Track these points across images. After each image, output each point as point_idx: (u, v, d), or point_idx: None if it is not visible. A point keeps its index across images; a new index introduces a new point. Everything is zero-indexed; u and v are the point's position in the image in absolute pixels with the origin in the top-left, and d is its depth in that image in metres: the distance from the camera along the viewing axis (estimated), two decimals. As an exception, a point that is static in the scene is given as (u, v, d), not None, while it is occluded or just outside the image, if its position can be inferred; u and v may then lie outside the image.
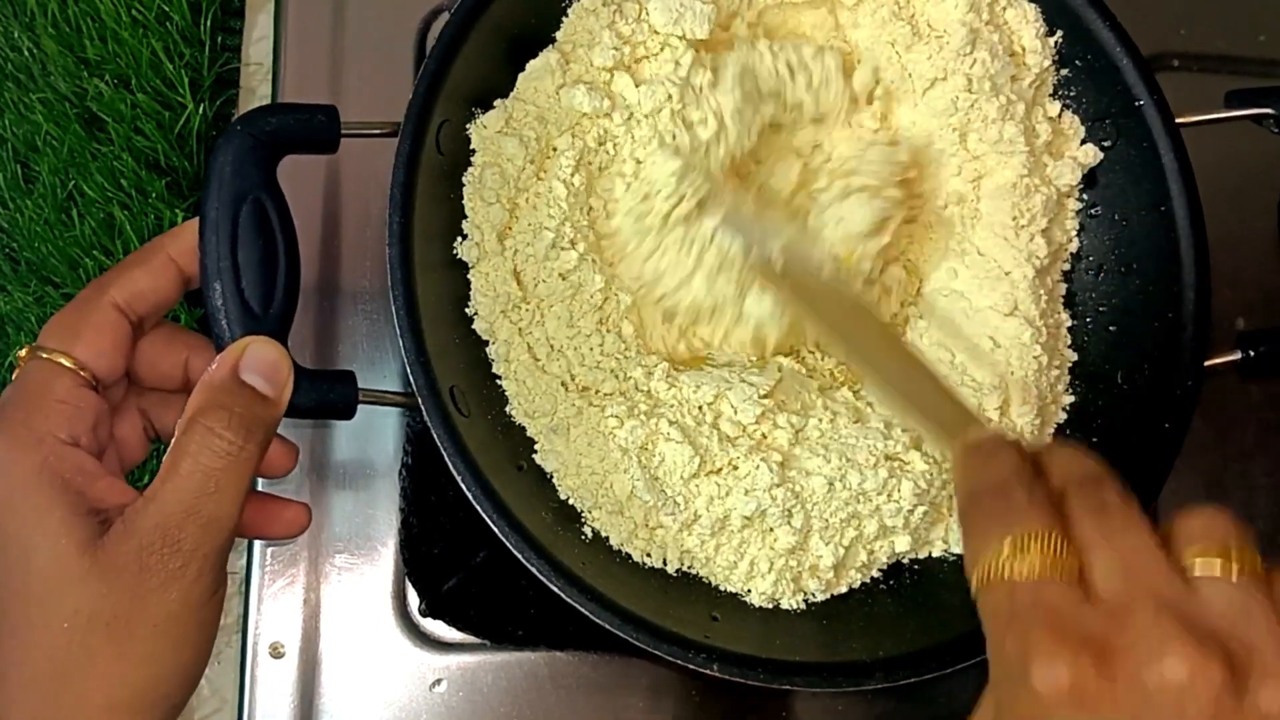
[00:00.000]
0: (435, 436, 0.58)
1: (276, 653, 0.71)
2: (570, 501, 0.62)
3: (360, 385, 0.59)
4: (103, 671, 0.50)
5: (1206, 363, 0.65)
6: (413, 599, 0.72)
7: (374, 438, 0.74)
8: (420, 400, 0.58)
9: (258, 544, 0.72)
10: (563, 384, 0.63)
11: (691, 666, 0.58)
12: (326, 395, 0.58)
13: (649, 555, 0.62)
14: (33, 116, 0.77)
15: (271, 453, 0.57)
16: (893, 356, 0.60)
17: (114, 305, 0.57)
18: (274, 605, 0.72)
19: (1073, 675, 0.38)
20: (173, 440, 0.53)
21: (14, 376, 0.56)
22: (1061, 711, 0.38)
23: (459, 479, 0.58)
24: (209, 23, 0.79)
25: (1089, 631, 0.40)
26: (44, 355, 0.55)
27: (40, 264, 0.77)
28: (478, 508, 0.58)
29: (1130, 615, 0.40)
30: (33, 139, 0.78)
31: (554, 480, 0.62)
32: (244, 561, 0.72)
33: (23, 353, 0.56)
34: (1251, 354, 0.66)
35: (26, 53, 0.79)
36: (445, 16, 0.75)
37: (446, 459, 0.58)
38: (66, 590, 0.50)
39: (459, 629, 0.72)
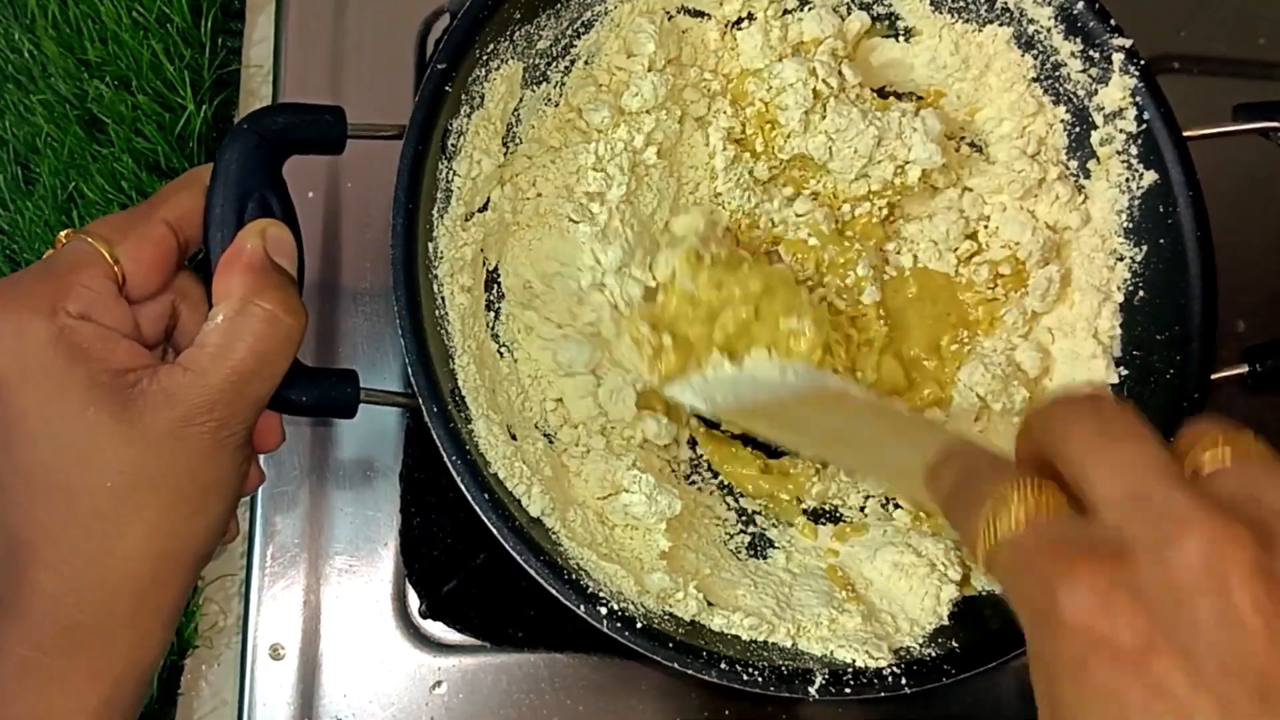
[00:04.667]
0: (435, 437, 0.58)
1: (276, 654, 0.71)
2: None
3: (361, 384, 0.59)
4: (154, 525, 0.52)
5: (1212, 376, 0.64)
6: (413, 600, 0.72)
7: (375, 440, 0.74)
8: (421, 401, 0.58)
9: (258, 546, 0.72)
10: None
11: (676, 666, 0.58)
12: (328, 393, 0.58)
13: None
14: (33, 118, 0.77)
15: (263, 425, 0.58)
16: (850, 420, 0.60)
17: (165, 221, 0.56)
18: (274, 607, 0.72)
19: (1094, 589, 0.37)
20: (221, 319, 0.53)
21: (46, 255, 0.56)
22: (1100, 629, 0.36)
23: (458, 480, 0.58)
24: (209, 24, 0.79)
25: (1098, 541, 0.38)
26: (88, 240, 0.55)
27: (40, 265, 0.77)
28: (477, 509, 0.58)
29: (1138, 511, 0.38)
30: (33, 141, 0.78)
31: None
32: (244, 563, 0.72)
33: (63, 235, 0.55)
34: (1258, 368, 0.66)
35: (27, 54, 0.78)
36: (446, 18, 0.75)
37: (446, 460, 0.58)
38: (105, 454, 0.51)
39: (459, 631, 0.72)
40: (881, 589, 0.65)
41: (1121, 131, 0.66)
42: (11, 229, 0.77)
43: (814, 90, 0.66)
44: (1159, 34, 0.67)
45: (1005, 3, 0.68)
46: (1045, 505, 0.40)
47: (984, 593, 0.64)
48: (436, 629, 0.72)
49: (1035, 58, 0.68)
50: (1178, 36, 0.83)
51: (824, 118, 0.66)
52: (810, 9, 0.69)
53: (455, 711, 0.71)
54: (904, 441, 0.54)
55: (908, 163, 0.67)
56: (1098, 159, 0.68)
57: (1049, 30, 0.67)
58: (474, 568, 0.72)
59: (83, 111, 0.78)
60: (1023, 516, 0.40)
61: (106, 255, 0.54)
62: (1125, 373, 0.67)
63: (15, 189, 0.78)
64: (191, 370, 0.52)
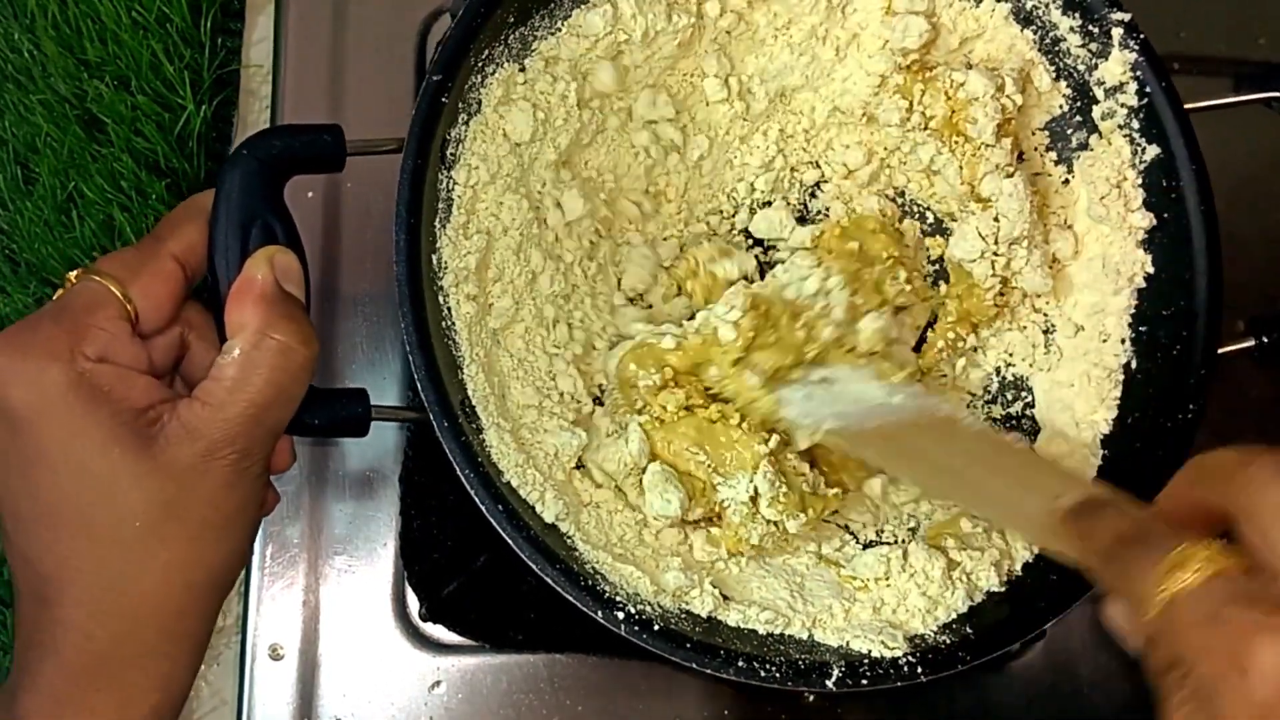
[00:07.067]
0: (447, 451, 0.58)
1: (276, 655, 0.71)
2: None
3: (370, 401, 0.59)
4: (178, 556, 0.53)
5: (1220, 350, 0.64)
6: (412, 600, 0.72)
7: (375, 440, 0.73)
8: (432, 417, 0.58)
9: (258, 546, 0.72)
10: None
11: (694, 666, 0.58)
12: (340, 414, 0.59)
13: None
14: (33, 118, 0.77)
15: (276, 447, 0.58)
16: (964, 455, 0.60)
17: (172, 255, 0.57)
18: (273, 607, 0.71)
19: None
20: (236, 352, 0.53)
21: (56, 295, 0.56)
22: None
23: (472, 493, 0.58)
24: (209, 24, 0.79)
25: None
26: (96, 279, 0.55)
27: (40, 265, 0.77)
28: (492, 521, 0.58)
29: None
30: (33, 140, 0.78)
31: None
32: (243, 563, 0.72)
33: (73, 275, 0.56)
34: (1265, 340, 0.65)
35: (27, 54, 0.78)
36: (446, 18, 0.76)
37: (459, 473, 0.58)
38: (128, 489, 0.51)
39: (459, 633, 0.72)
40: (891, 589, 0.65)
41: (1123, 106, 0.66)
42: (11, 229, 0.77)
43: (1002, 108, 0.67)
44: (1159, 34, 0.66)
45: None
46: (1231, 564, 0.42)
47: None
48: (436, 629, 0.72)
49: (1034, 33, 0.68)
50: (1178, 37, 0.83)
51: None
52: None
53: (454, 712, 0.71)
54: (1023, 484, 0.55)
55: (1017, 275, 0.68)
56: (1100, 134, 0.67)
57: (1047, 5, 0.66)
58: (474, 570, 0.72)
59: (82, 111, 0.78)
60: (1210, 572, 0.42)
61: (119, 295, 0.55)
62: (1132, 350, 0.67)
63: (15, 189, 0.77)
64: (210, 404, 0.53)
